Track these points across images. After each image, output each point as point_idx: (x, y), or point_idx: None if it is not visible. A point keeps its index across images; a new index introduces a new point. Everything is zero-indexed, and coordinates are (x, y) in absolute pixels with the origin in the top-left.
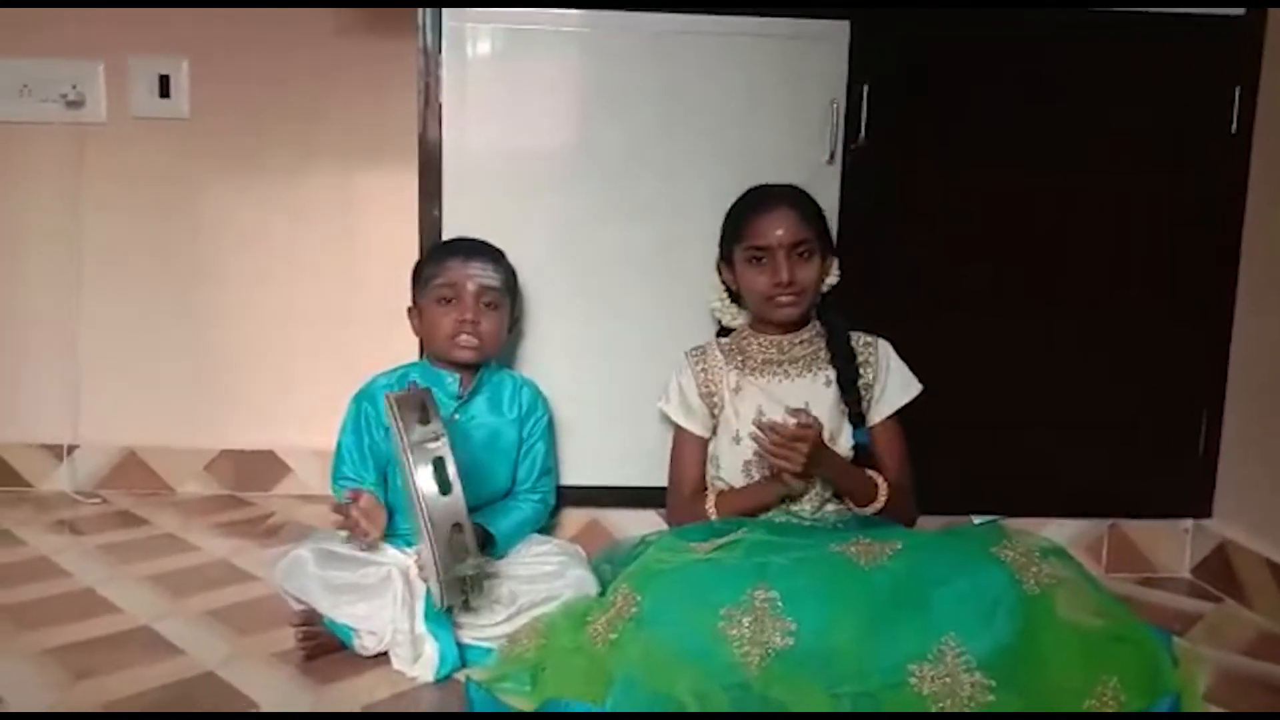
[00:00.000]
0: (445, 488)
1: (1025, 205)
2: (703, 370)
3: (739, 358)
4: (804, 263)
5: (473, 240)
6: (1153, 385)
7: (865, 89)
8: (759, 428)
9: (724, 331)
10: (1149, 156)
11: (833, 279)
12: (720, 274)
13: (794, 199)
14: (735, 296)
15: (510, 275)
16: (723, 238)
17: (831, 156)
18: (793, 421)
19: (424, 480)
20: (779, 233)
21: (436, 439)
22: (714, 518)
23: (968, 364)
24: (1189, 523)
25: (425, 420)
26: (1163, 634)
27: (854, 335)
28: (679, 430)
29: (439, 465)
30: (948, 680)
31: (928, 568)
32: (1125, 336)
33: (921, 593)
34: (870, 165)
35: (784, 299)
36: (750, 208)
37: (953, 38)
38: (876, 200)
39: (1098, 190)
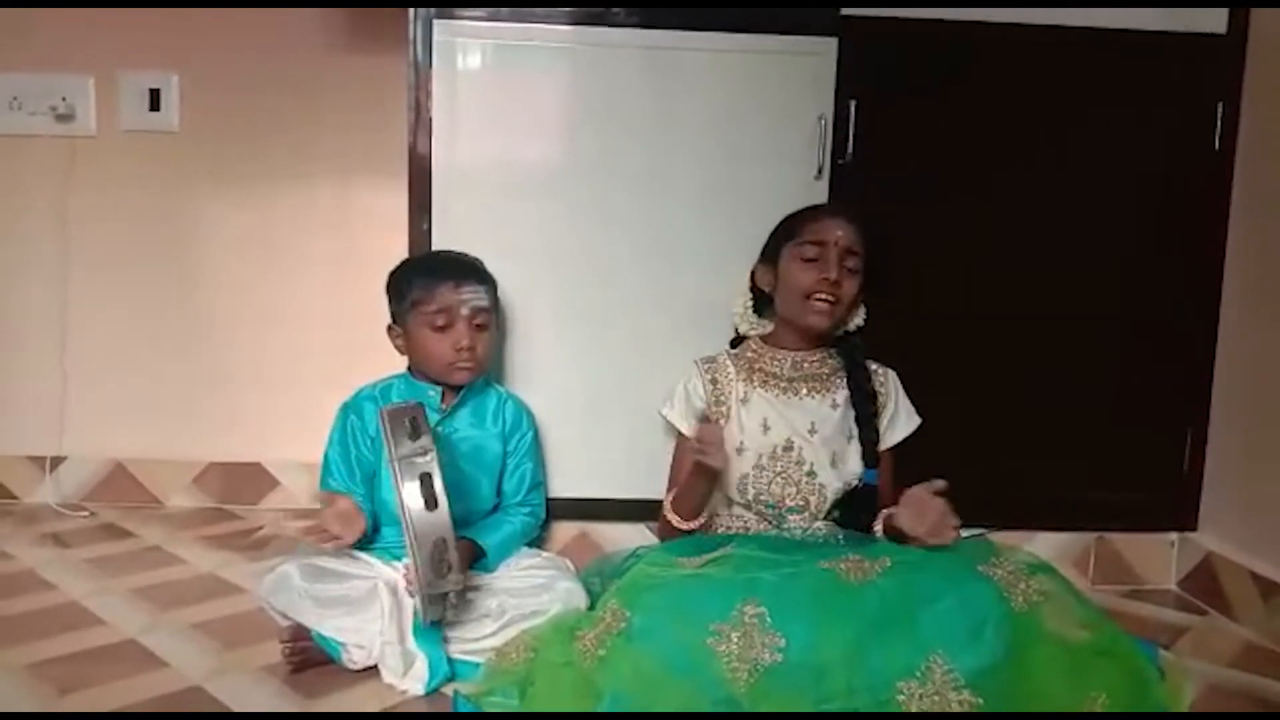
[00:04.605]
0: (431, 503)
1: (1009, 221)
2: (713, 380)
3: (748, 370)
4: (850, 275)
5: (456, 259)
6: (1138, 399)
7: (853, 105)
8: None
9: (734, 344)
10: (1133, 173)
11: (859, 320)
12: (753, 278)
13: (857, 216)
14: (758, 307)
15: (494, 287)
16: (772, 238)
17: (820, 171)
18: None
19: (410, 495)
20: (839, 233)
21: (425, 454)
22: (675, 522)
23: (953, 379)
24: (1174, 536)
25: (415, 435)
26: (1149, 647)
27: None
28: (681, 437)
29: (426, 480)
30: (936, 698)
31: (916, 585)
32: (1110, 352)
33: (910, 610)
34: (857, 181)
35: (821, 301)
36: (813, 210)
37: (940, 55)
38: (863, 216)
39: (1082, 207)
